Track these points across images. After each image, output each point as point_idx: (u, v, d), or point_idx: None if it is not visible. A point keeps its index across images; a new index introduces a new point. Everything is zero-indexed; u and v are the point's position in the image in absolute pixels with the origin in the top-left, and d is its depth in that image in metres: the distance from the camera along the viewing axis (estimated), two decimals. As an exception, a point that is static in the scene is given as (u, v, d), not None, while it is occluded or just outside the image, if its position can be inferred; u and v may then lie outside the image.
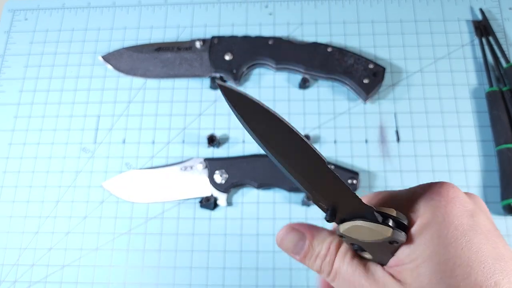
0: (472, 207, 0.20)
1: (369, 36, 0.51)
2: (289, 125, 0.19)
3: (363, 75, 0.47)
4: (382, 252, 0.21)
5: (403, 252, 0.20)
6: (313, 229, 0.23)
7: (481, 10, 0.51)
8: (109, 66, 0.51)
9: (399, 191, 0.22)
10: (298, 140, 0.19)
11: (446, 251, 0.19)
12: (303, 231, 0.23)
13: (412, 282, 0.19)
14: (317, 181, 0.20)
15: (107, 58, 0.51)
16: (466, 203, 0.20)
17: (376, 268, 0.21)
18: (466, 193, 0.21)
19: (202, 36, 0.52)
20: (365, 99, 0.47)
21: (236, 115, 0.19)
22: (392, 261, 0.21)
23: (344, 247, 0.22)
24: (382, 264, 0.21)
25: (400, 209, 0.21)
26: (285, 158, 0.20)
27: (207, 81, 0.50)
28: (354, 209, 0.20)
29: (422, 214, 0.20)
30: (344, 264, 0.21)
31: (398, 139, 0.47)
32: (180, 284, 0.42)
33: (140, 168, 0.47)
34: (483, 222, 0.20)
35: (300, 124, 0.48)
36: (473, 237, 0.19)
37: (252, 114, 0.19)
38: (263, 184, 0.43)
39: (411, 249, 0.20)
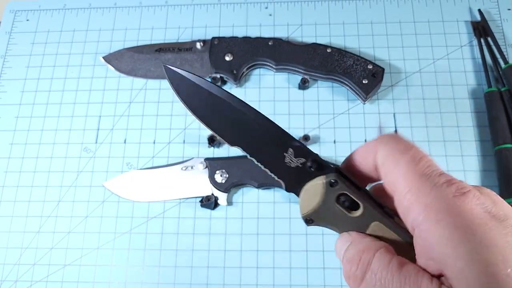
0: (492, 207, 0.18)
1: (368, 37, 0.52)
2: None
3: (363, 75, 0.47)
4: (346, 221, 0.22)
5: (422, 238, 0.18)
6: (355, 234, 0.22)
7: (479, 11, 0.52)
8: (110, 67, 0.51)
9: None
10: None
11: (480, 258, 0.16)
12: (357, 252, 0.21)
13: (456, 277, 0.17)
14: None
15: (108, 58, 0.51)
16: (484, 201, 0.18)
17: (426, 277, 0.18)
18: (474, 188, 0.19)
19: (202, 37, 0.53)
20: (364, 99, 0.48)
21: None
22: (419, 248, 0.19)
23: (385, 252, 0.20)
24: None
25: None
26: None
27: (207, 82, 0.51)
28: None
29: (433, 204, 0.18)
30: (388, 273, 0.19)
31: (397, 139, 0.47)
32: (180, 283, 0.43)
33: (141, 168, 0.47)
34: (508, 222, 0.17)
35: (300, 124, 0.48)
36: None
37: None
38: (263, 184, 0.44)
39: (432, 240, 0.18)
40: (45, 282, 0.44)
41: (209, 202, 0.44)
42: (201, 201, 0.45)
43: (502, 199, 0.19)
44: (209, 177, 0.44)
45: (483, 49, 0.50)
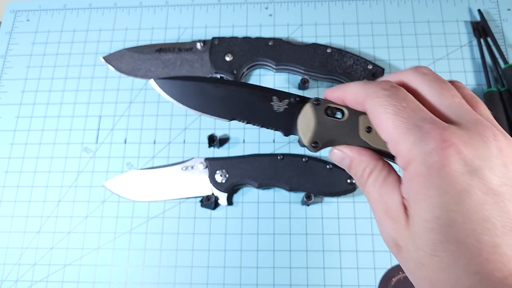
0: (474, 158, 0.19)
1: (368, 37, 0.52)
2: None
3: (363, 75, 0.47)
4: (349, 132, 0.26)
5: (405, 187, 0.22)
6: (355, 153, 0.25)
7: (479, 11, 0.52)
8: (111, 67, 0.51)
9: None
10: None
11: (442, 214, 0.19)
12: (345, 154, 0.26)
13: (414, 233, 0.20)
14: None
15: (109, 59, 0.52)
16: (466, 153, 0.19)
17: (396, 199, 0.22)
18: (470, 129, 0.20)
19: (202, 37, 0.53)
20: (365, 99, 0.48)
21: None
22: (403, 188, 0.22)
23: (376, 172, 0.24)
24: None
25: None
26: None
27: (207, 82, 0.51)
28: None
29: (414, 157, 0.20)
30: (372, 188, 0.24)
31: (397, 139, 0.47)
32: (180, 283, 0.43)
33: (141, 168, 0.47)
34: (487, 178, 0.19)
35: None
36: (469, 201, 0.19)
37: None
38: (263, 184, 0.44)
39: (407, 189, 0.21)
40: (45, 282, 0.44)
41: (209, 202, 0.44)
42: (201, 201, 0.45)
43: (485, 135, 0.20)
44: (209, 177, 0.44)
45: (483, 49, 0.50)
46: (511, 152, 0.20)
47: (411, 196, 0.21)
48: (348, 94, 0.26)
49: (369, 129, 0.25)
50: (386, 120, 0.22)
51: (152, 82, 0.32)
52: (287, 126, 0.29)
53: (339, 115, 0.27)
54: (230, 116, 0.31)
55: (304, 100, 0.28)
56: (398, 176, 0.23)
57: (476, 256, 0.18)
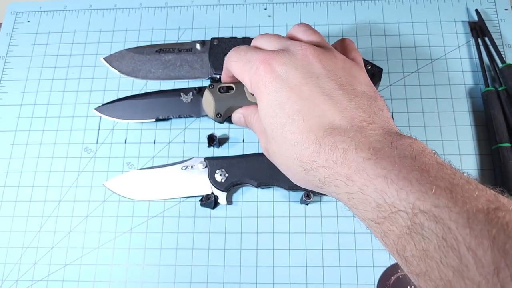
0: (280, 65, 0.28)
1: (366, 37, 0.52)
2: None
3: (361, 75, 0.47)
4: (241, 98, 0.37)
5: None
6: (244, 110, 0.36)
7: (477, 11, 0.52)
8: (111, 68, 0.52)
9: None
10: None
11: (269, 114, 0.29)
12: (240, 113, 0.37)
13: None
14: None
15: (109, 59, 0.52)
16: (274, 64, 0.28)
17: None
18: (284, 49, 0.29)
19: (202, 38, 0.53)
20: (363, 99, 0.48)
21: None
22: None
23: (257, 114, 0.33)
24: None
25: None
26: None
27: (207, 82, 0.51)
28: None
29: (250, 80, 0.30)
30: (255, 124, 0.34)
31: (395, 139, 0.47)
32: (180, 282, 0.43)
33: (141, 168, 0.47)
34: (291, 77, 0.27)
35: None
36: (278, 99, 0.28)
37: None
38: (263, 183, 0.44)
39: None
40: (46, 281, 0.44)
41: (209, 201, 0.44)
42: (201, 200, 0.45)
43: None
44: (209, 176, 0.45)
45: (481, 49, 0.50)
46: (318, 56, 0.28)
47: (258, 107, 0.30)
48: (226, 71, 0.36)
49: None
50: (234, 67, 0.32)
51: (94, 110, 0.47)
52: (196, 110, 0.43)
53: (232, 91, 0.37)
54: (155, 116, 0.44)
55: (202, 89, 0.42)
56: None
57: (293, 130, 0.27)
